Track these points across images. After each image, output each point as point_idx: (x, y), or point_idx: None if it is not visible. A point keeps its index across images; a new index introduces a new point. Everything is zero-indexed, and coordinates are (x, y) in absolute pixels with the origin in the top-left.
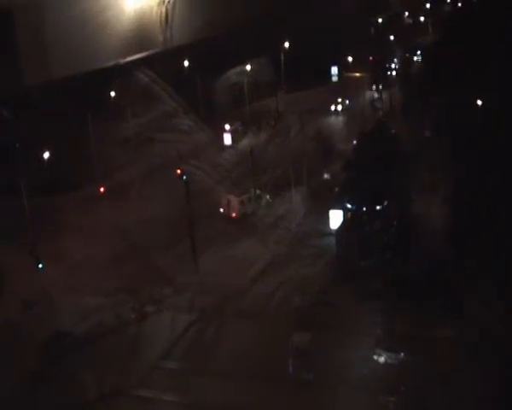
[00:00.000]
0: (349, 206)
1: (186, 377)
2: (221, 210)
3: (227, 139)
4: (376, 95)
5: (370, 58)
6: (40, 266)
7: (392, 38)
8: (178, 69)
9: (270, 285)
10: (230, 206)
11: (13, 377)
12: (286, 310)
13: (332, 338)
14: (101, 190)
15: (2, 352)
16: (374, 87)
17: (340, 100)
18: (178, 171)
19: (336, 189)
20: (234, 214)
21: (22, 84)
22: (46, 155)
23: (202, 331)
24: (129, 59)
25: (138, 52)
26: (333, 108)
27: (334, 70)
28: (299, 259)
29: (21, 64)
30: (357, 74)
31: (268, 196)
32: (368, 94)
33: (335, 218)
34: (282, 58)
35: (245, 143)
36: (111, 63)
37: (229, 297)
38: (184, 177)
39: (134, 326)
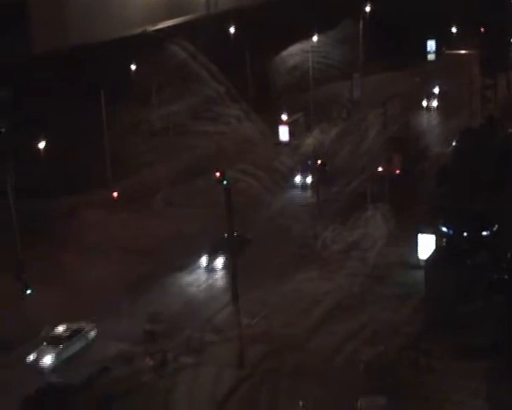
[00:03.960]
0: (444, 229)
1: None
2: (379, 169)
3: (283, 134)
4: (488, 80)
5: (482, 29)
6: (28, 292)
7: None
8: (225, 42)
9: (338, 335)
10: (393, 163)
11: None
12: (356, 369)
13: (417, 408)
14: (114, 194)
15: None
16: (485, 69)
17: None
18: (218, 173)
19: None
20: (398, 172)
21: (28, 50)
22: (44, 145)
23: (252, 393)
24: (160, 26)
25: (172, 18)
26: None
27: (431, 45)
28: (378, 300)
29: (30, 27)
30: (463, 51)
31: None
32: (476, 78)
33: (426, 245)
34: (361, 29)
35: (308, 140)
36: (137, 31)
37: (286, 349)
38: (225, 181)
39: (164, 382)
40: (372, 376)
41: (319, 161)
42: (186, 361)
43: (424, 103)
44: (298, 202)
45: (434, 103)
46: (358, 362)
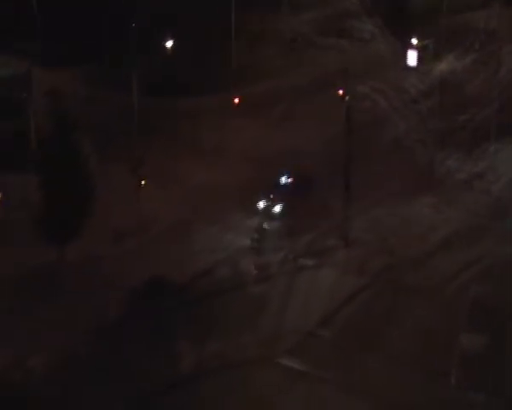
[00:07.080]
0: None
1: (347, 354)
2: None
3: (411, 58)
4: None
5: None
6: (143, 182)
7: None
8: None
9: (453, 264)
10: None
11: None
12: (467, 301)
13: None
14: (236, 100)
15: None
16: None
17: None
18: (340, 91)
19: None
20: None
21: None
22: (170, 44)
23: (371, 301)
24: None
25: None
26: None
27: None
28: (497, 234)
29: None
30: None
31: None
32: None
33: None
34: None
35: (436, 67)
36: None
37: (403, 267)
38: (347, 98)
39: (280, 281)
40: (480, 311)
41: None
42: (306, 263)
43: None
44: (425, 125)
45: None
46: (470, 294)
